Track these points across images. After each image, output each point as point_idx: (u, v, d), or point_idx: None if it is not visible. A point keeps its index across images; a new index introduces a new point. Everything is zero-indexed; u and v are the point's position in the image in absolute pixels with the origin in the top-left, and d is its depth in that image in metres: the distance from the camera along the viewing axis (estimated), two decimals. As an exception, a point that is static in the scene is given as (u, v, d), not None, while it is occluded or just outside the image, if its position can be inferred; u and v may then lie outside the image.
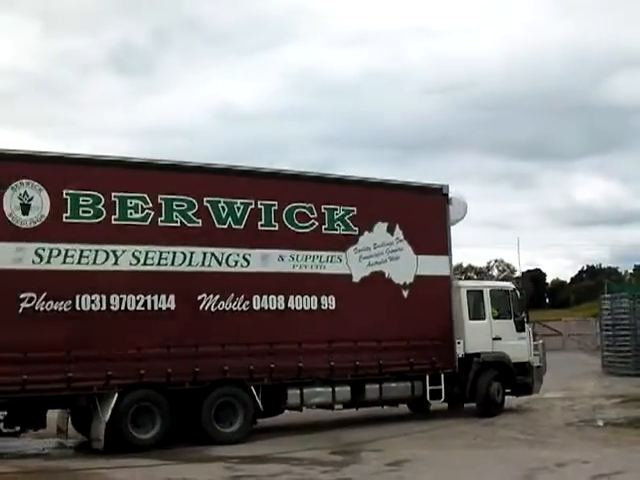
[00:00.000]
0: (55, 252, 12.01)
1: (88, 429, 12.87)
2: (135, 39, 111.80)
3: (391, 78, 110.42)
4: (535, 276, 66.53)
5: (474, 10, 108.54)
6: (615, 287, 39.09)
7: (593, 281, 76.70)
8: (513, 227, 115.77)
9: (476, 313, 16.34)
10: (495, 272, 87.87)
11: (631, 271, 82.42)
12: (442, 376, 15.43)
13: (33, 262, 11.86)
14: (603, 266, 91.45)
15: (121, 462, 11.55)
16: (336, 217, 14.46)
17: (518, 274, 71.00)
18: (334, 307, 14.22)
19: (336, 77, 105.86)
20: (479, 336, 16.12)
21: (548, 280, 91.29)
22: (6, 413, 12.22)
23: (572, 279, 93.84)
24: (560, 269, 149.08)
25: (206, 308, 13.04)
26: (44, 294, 11.83)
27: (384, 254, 14.90)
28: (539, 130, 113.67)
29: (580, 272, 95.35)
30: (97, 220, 12.36)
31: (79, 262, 12.17)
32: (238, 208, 13.49)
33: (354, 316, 14.30)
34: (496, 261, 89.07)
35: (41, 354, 11.73)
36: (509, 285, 17.67)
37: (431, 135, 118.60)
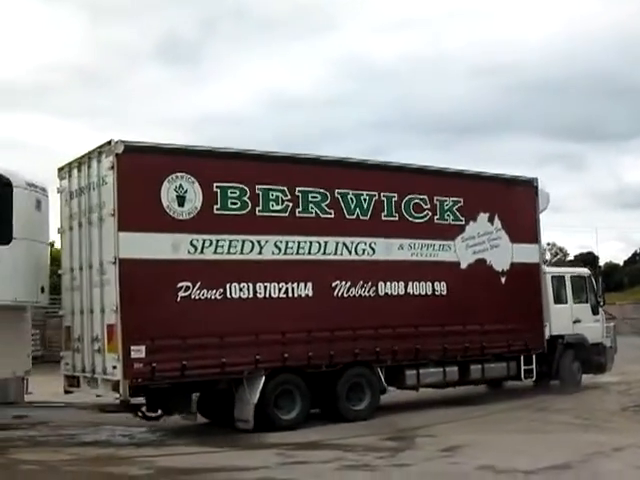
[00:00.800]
0: (207, 242, 12.55)
1: (221, 412, 13.55)
2: (182, 29, 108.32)
3: (437, 62, 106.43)
4: (587, 259, 66.10)
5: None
6: (670, 269, 39.03)
7: (646, 264, 76.14)
8: (564, 210, 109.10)
9: (559, 297, 17.52)
10: (547, 256, 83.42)
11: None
12: (534, 357, 16.49)
13: (188, 252, 12.39)
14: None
15: (170, 450, 11.85)
16: (446, 208, 15.26)
17: (571, 258, 70.50)
18: (445, 293, 15.07)
19: (382, 62, 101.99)
20: (562, 319, 17.27)
21: (601, 263, 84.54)
22: (145, 398, 12.76)
23: (625, 262, 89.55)
24: (613, 252, 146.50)
25: (339, 294, 13.73)
26: (198, 283, 12.35)
27: (486, 243, 15.79)
28: (589, 112, 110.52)
29: (633, 255, 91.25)
30: (244, 212, 12.93)
31: (228, 252, 12.73)
32: (364, 200, 14.18)
33: (462, 301, 15.18)
34: (548, 244, 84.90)
35: (198, 340, 12.25)
36: (586, 271, 18.86)
37: (480, 118, 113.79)
